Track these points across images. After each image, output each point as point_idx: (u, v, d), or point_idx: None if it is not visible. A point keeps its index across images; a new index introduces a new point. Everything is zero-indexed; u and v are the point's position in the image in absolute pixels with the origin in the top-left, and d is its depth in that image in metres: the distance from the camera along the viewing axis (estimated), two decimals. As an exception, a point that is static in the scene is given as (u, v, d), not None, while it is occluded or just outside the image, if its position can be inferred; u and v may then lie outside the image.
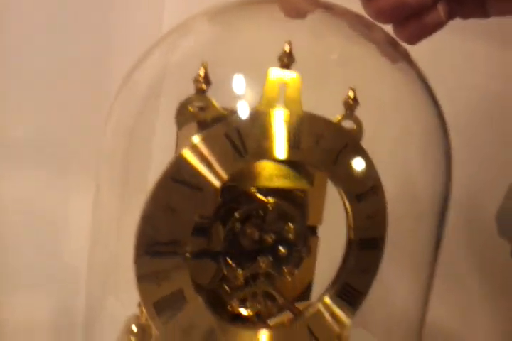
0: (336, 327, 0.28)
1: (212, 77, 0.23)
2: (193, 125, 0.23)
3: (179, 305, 0.23)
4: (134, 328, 0.25)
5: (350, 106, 0.27)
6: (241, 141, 0.23)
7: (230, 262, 0.25)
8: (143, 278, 0.23)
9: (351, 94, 0.27)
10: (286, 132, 0.24)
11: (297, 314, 0.27)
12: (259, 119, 0.23)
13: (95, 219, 0.29)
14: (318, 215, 0.29)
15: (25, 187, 0.45)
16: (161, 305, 0.23)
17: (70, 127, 0.45)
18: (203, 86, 0.23)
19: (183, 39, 0.28)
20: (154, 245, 0.22)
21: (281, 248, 0.25)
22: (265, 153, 0.24)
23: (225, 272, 0.25)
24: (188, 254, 0.23)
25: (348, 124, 0.27)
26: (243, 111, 0.23)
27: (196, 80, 0.23)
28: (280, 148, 0.24)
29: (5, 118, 0.44)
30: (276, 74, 0.24)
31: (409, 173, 0.30)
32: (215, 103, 0.23)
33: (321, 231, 0.30)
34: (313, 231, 0.29)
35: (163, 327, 0.23)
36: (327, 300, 0.27)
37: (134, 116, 0.27)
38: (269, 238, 0.25)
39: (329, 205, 0.29)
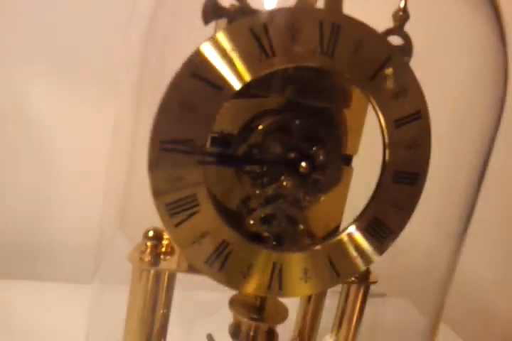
0: (358, 263, 0.26)
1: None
2: (222, 22, 0.22)
3: (191, 210, 0.23)
4: (151, 233, 0.25)
5: (400, 18, 0.24)
6: (268, 39, 0.22)
7: (249, 178, 0.24)
8: (156, 176, 0.22)
9: (402, 4, 0.24)
10: (320, 35, 0.22)
11: (317, 242, 0.25)
12: (291, 17, 0.22)
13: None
14: (355, 143, 0.27)
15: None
16: (173, 206, 0.23)
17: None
18: (234, -20, 0.22)
19: None
20: (169, 142, 0.22)
21: (303, 164, 0.24)
22: (294, 57, 0.22)
23: (244, 187, 0.25)
24: (209, 158, 0.23)
25: (395, 40, 0.25)
26: (273, 7, 0.22)
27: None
28: (311, 53, 0.22)
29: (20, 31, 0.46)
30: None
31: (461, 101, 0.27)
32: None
33: (359, 162, 0.28)
34: (347, 160, 0.27)
35: (174, 231, 0.23)
36: (353, 232, 0.26)
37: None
38: (293, 155, 0.24)
39: (370, 134, 0.27)
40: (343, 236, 0.25)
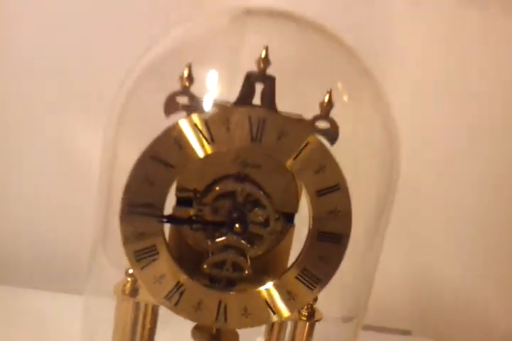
0: (292, 304, 0.32)
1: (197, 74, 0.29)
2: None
3: (153, 257, 0.30)
4: (130, 270, 0.33)
5: (325, 107, 0.30)
6: (208, 130, 0.29)
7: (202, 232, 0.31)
8: (125, 230, 0.30)
9: (326, 97, 0.30)
10: (249, 126, 0.29)
11: (256, 285, 0.32)
12: (226, 113, 0.29)
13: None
14: (294, 203, 0.33)
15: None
16: (138, 254, 0.30)
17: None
18: (187, 84, 0.29)
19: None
20: (134, 206, 0.29)
21: (237, 225, 0.30)
22: (229, 143, 0.29)
23: (199, 239, 0.31)
24: (164, 219, 0.30)
25: (322, 124, 0.31)
26: (211, 107, 0.29)
27: (181, 78, 0.29)
28: (243, 141, 0.29)
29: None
30: (253, 75, 0.30)
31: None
32: (196, 96, 0.29)
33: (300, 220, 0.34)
34: (289, 218, 0.33)
35: (140, 272, 0.30)
36: (285, 278, 0.31)
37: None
38: (234, 217, 0.31)
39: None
40: (277, 282, 0.31)
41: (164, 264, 0.30)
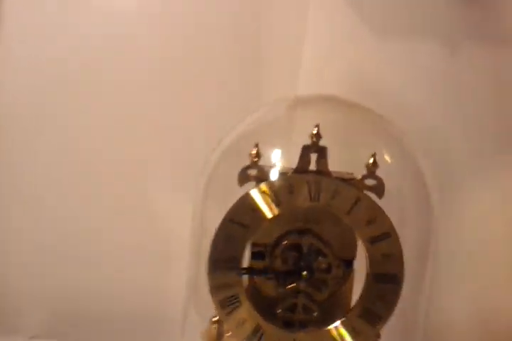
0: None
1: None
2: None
3: (236, 305, 0.36)
4: (215, 318, 0.38)
5: (370, 168, 0.37)
6: (275, 196, 0.35)
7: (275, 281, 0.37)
8: (212, 282, 0.36)
9: (371, 159, 0.37)
10: (308, 190, 0.35)
11: (325, 325, 0.37)
12: (288, 180, 0.35)
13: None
14: (352, 250, 0.38)
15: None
16: (224, 302, 0.36)
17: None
18: (255, 159, 0.36)
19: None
20: (218, 261, 0.35)
21: (304, 272, 0.36)
22: (293, 204, 0.35)
23: (270, 288, 0.37)
24: (243, 271, 0.36)
25: (370, 182, 0.37)
26: (276, 177, 0.36)
27: (250, 155, 0.36)
28: (304, 202, 0.35)
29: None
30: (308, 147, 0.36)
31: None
32: (263, 168, 0.36)
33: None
34: (348, 264, 0.38)
35: (225, 318, 0.36)
36: (350, 317, 0.36)
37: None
38: (303, 264, 0.36)
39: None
40: (343, 323, 0.36)
41: (245, 310, 0.36)
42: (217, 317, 0.39)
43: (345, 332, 0.36)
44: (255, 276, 0.37)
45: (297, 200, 0.36)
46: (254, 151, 0.37)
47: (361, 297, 0.36)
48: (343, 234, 0.38)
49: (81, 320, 0.55)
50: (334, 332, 0.36)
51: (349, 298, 0.39)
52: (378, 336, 0.38)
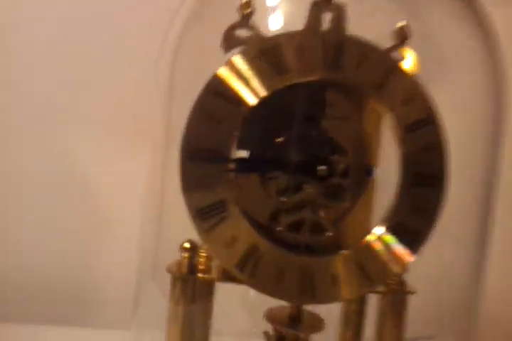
0: (390, 267, 0.26)
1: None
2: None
3: (221, 216, 0.25)
4: (187, 244, 0.27)
5: (401, 36, 0.27)
6: (279, 57, 0.25)
7: (274, 186, 0.27)
8: (187, 184, 0.25)
9: (401, 24, 0.27)
10: (325, 51, 0.25)
11: (345, 248, 0.26)
12: (299, 38, 0.25)
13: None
14: (374, 155, 0.29)
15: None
16: (203, 212, 0.25)
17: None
18: (247, 12, 0.26)
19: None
20: (196, 151, 0.25)
21: (321, 167, 0.26)
22: (304, 72, 0.25)
23: (270, 196, 0.27)
24: (231, 166, 0.25)
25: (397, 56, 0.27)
26: (280, 29, 0.25)
27: (240, 7, 0.26)
28: (319, 67, 0.25)
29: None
30: (320, 4, 0.26)
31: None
32: (258, 28, 0.26)
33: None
34: (369, 171, 0.29)
35: (206, 235, 0.25)
36: (381, 233, 0.26)
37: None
38: (312, 161, 0.26)
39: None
40: (371, 238, 0.26)
41: (235, 223, 0.25)
42: (189, 244, 0.28)
43: (370, 258, 0.27)
44: (248, 174, 0.27)
45: (308, 67, 0.26)
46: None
47: (393, 208, 0.26)
48: (366, 127, 0.28)
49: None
50: (356, 258, 0.26)
51: (368, 215, 0.29)
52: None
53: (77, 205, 0.54)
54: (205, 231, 0.25)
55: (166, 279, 0.28)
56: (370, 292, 0.28)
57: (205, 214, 0.25)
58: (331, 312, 0.31)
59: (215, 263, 0.28)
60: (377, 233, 0.26)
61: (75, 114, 0.53)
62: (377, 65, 0.26)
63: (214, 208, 0.25)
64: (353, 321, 0.32)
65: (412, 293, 0.29)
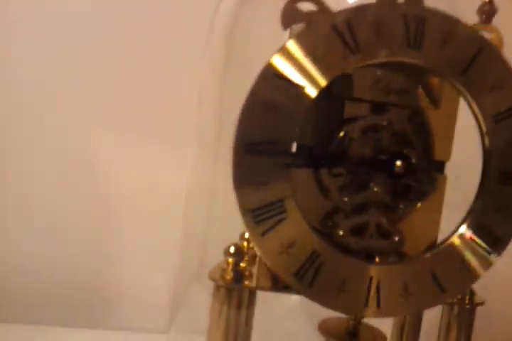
0: (465, 276, 0.23)
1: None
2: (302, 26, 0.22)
3: (278, 217, 0.22)
4: (232, 249, 0.24)
5: (487, 12, 0.23)
6: (352, 35, 0.21)
7: (336, 185, 0.23)
8: (241, 180, 0.22)
9: (487, -1, 0.23)
10: (405, 29, 0.22)
11: (415, 255, 0.23)
12: (374, 12, 0.21)
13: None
14: (446, 149, 0.25)
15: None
16: (258, 213, 0.22)
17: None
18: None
19: None
20: (253, 143, 0.21)
21: (398, 162, 0.22)
22: (380, 52, 0.22)
23: (332, 196, 0.23)
24: (291, 160, 0.22)
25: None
26: (355, 2, 0.22)
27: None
28: (398, 48, 0.22)
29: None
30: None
31: None
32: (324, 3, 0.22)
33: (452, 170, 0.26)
34: (440, 167, 0.25)
35: (260, 240, 0.22)
36: (458, 241, 0.23)
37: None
38: (386, 156, 0.23)
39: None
40: (455, 240, 0.23)
41: (294, 226, 0.22)
42: (234, 248, 0.25)
43: (446, 265, 0.23)
44: (310, 169, 0.23)
45: (386, 45, 0.22)
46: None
47: (475, 208, 0.23)
48: (439, 118, 0.25)
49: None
50: (431, 265, 0.23)
51: (438, 218, 0.26)
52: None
53: (90, 202, 0.50)
54: (259, 235, 0.22)
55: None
56: (442, 303, 0.25)
57: (260, 216, 0.22)
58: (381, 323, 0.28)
59: (260, 269, 0.25)
60: (457, 235, 0.23)
61: (97, 104, 0.49)
62: (463, 45, 0.22)
63: (271, 209, 0.22)
64: (408, 333, 0.29)
65: (482, 304, 0.26)
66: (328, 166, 0.23)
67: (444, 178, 0.25)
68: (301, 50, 0.21)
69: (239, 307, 0.25)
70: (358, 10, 0.22)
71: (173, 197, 0.46)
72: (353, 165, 0.22)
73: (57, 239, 0.48)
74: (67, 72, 0.46)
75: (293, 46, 0.21)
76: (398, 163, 0.22)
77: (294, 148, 0.23)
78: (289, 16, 0.23)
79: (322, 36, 0.21)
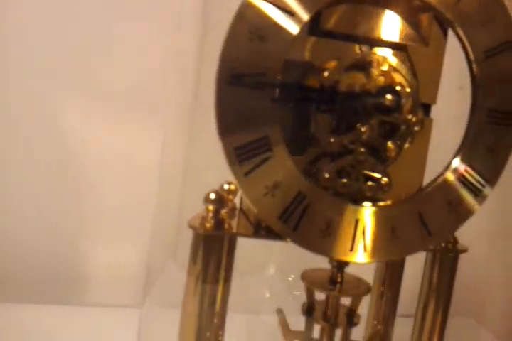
0: (452, 219, 0.23)
1: None
2: None
3: (263, 156, 0.21)
4: (212, 195, 0.23)
5: None
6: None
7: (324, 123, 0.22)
8: (224, 114, 0.20)
9: None
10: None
11: (403, 199, 0.23)
12: None
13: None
14: (432, 92, 0.24)
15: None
16: (242, 151, 0.20)
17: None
18: None
19: None
20: (238, 75, 0.20)
21: (388, 96, 0.21)
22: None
23: (319, 135, 0.22)
24: (276, 94, 0.20)
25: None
26: None
27: None
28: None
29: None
30: None
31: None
32: None
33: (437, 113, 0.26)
34: (425, 110, 0.25)
35: (244, 180, 0.21)
36: (451, 176, 0.23)
37: None
38: (376, 90, 0.22)
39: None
40: (448, 175, 0.23)
41: (280, 166, 0.21)
42: (215, 195, 0.24)
43: (435, 207, 0.23)
44: (297, 105, 0.22)
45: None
46: None
47: (463, 148, 0.23)
48: (425, 58, 0.24)
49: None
50: (418, 207, 0.23)
51: (424, 162, 0.25)
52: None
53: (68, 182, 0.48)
54: (243, 175, 0.21)
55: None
56: (426, 249, 0.25)
57: (244, 154, 0.21)
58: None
59: (240, 220, 0.24)
60: (451, 170, 0.23)
61: (71, 76, 0.46)
62: (456, -25, 0.21)
63: (256, 146, 0.21)
64: (390, 285, 0.29)
65: (465, 251, 0.26)
66: (316, 101, 0.21)
67: (430, 121, 0.25)
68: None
69: (219, 255, 0.23)
70: None
71: (147, 169, 0.44)
72: (343, 99, 0.21)
73: (29, 212, 0.45)
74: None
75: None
76: (389, 96, 0.21)
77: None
78: None
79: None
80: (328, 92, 0.21)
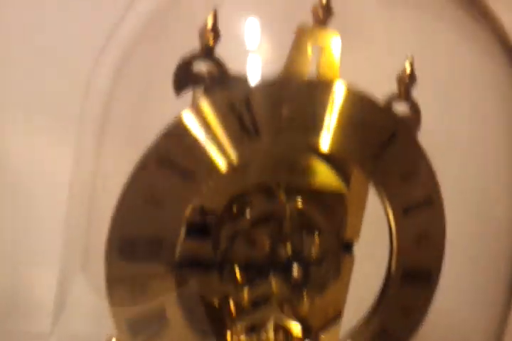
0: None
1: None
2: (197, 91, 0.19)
3: (158, 328, 0.19)
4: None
5: (405, 83, 0.21)
6: (251, 116, 0.18)
7: (232, 277, 0.20)
8: (114, 285, 0.18)
9: (408, 67, 0.21)
10: (314, 110, 0.19)
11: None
12: (278, 89, 0.19)
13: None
14: (355, 228, 0.23)
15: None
16: (135, 323, 0.19)
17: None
18: (211, 41, 0.19)
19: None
20: (130, 245, 0.18)
21: (295, 267, 0.20)
22: (284, 136, 0.19)
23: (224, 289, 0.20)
24: (174, 261, 0.19)
25: (400, 107, 0.22)
26: (256, 77, 0.19)
27: (202, 33, 0.18)
28: (305, 131, 0.19)
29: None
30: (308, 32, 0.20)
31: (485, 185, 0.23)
32: (225, 65, 0.19)
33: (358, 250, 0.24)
34: (347, 247, 0.23)
35: (135, 354, 0.19)
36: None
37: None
38: (285, 251, 0.20)
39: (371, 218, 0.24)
40: None
41: (176, 336, 0.19)
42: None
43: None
44: (195, 272, 0.20)
45: (292, 129, 0.19)
46: (209, 23, 0.19)
47: (377, 311, 0.22)
48: (348, 198, 0.23)
49: None
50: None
51: (343, 299, 0.24)
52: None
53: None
54: (135, 347, 0.19)
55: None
56: None
57: (138, 326, 0.18)
58: None
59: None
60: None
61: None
62: (375, 130, 0.20)
63: (150, 317, 0.19)
64: None
65: None
66: (218, 269, 0.20)
67: (352, 259, 0.24)
68: (190, 132, 0.18)
69: None
70: (261, 87, 0.19)
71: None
72: (250, 264, 0.20)
73: None
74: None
75: (180, 127, 0.18)
76: (295, 269, 0.20)
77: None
78: (183, 80, 0.19)
79: (218, 116, 0.18)
80: (233, 255, 0.20)
